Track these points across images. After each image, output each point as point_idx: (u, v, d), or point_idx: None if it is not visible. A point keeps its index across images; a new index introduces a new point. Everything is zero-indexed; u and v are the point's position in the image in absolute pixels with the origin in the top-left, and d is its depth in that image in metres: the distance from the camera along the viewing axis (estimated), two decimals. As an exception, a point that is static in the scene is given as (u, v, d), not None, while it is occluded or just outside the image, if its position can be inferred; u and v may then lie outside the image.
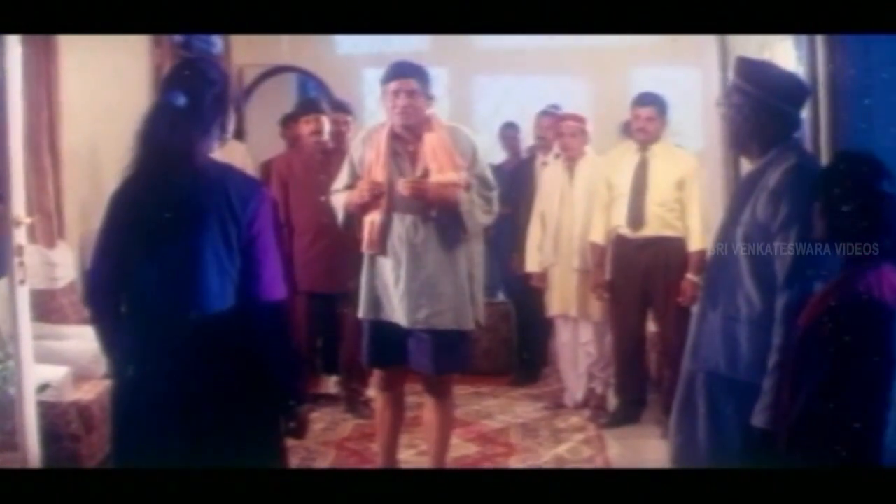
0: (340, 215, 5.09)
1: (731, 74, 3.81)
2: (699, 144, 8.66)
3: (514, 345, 8.21)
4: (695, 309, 6.38)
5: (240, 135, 9.37)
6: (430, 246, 4.87)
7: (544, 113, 7.68)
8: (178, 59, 3.38)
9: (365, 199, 4.88)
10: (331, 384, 7.41)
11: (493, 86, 10.43)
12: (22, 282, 4.55)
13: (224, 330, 3.09)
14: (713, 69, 5.21)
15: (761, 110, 3.56)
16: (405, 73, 4.87)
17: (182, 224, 3.07)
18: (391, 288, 4.93)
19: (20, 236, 4.58)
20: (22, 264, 4.54)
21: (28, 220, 4.69)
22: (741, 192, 3.62)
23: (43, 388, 4.94)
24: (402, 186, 4.78)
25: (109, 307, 3.20)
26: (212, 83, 3.19)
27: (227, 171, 3.21)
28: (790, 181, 3.41)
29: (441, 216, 4.86)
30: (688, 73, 9.06)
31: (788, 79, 3.76)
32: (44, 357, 5.13)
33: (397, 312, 4.93)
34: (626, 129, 7.53)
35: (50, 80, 6.14)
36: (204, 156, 3.17)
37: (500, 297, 8.61)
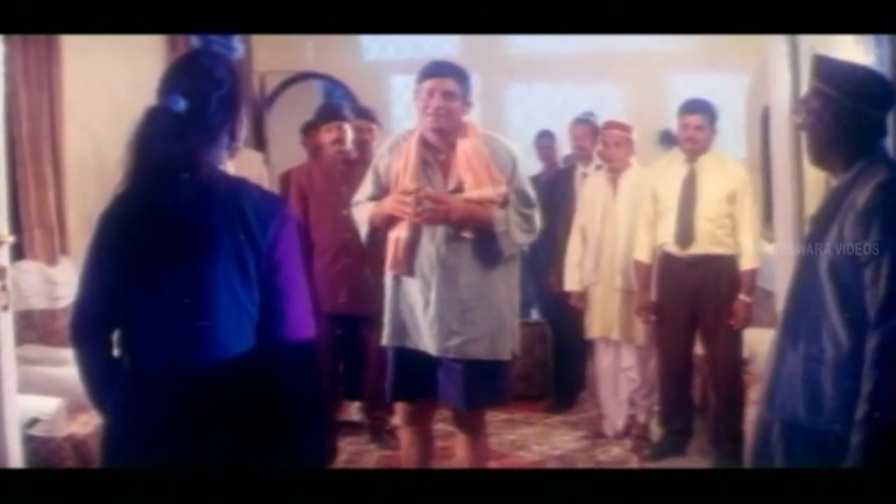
0: (364, 230, 4.66)
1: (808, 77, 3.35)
2: (740, 154, 8.32)
3: (550, 368, 7.86)
4: (754, 336, 6.20)
5: (260, 145, 9.12)
6: (464, 266, 4.45)
7: (578, 121, 7.38)
8: (179, 56, 2.90)
9: (402, 211, 4.42)
10: (353, 411, 7.06)
11: (526, 93, 10.26)
12: (5, 307, 4.13)
13: (241, 378, 2.60)
14: (776, 73, 4.78)
15: (844, 116, 3.09)
16: (443, 72, 4.45)
17: (187, 251, 2.59)
18: (419, 312, 4.50)
19: (2, 257, 4.17)
20: (4, 288, 4.12)
21: (10, 239, 4.26)
22: (824, 213, 3.14)
23: (32, 422, 4.59)
24: (425, 198, 4.35)
25: (97, 349, 2.74)
26: (218, 83, 2.70)
27: (240, 186, 2.72)
28: (882, 199, 2.94)
29: (474, 236, 4.43)
30: (727, 79, 8.76)
31: (874, 79, 3.28)
32: (39, 384, 4.83)
33: (425, 339, 4.50)
34: (665, 138, 7.26)
35: (52, 85, 5.84)
36: (211, 168, 2.68)
37: (535, 316, 8.29)
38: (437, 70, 4.46)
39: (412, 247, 4.47)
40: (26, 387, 4.81)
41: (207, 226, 2.59)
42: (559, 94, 9.96)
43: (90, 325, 2.75)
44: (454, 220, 4.38)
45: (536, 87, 10.16)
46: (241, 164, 6.09)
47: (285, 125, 8.93)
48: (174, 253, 2.58)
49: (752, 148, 8.49)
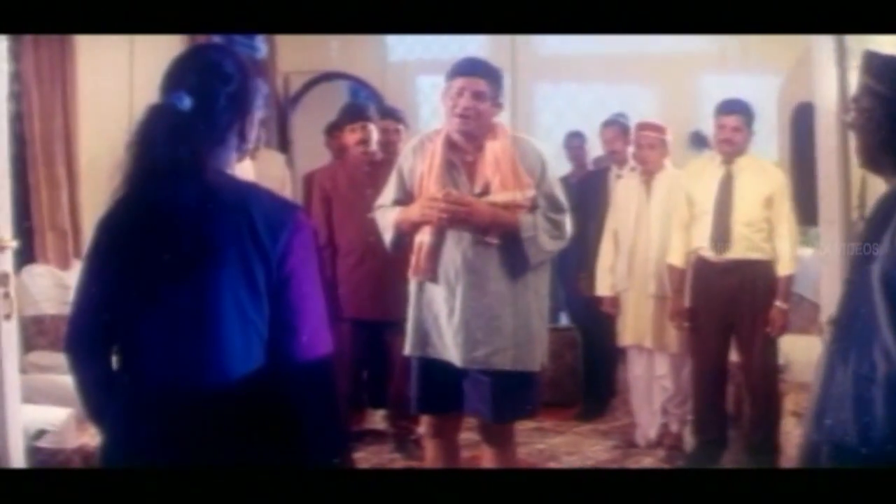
0: (389, 235, 4.48)
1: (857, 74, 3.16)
2: (771, 156, 8.20)
3: (581, 374, 7.70)
4: (789, 343, 6.03)
5: (284, 146, 9.01)
6: (491, 273, 4.28)
7: (608, 123, 7.26)
8: (185, 50, 2.72)
9: (429, 217, 4.26)
10: (378, 419, 6.92)
11: (555, 94, 10.11)
12: (7, 316, 3.95)
13: (248, 400, 2.40)
14: (820, 70, 4.60)
15: (899, 116, 2.90)
16: (476, 71, 4.27)
17: (190, 261, 2.39)
18: (443, 321, 4.33)
19: (5, 262, 3.99)
20: (7, 296, 3.94)
21: (13, 244, 4.09)
22: (876, 220, 2.95)
23: (39, 434, 4.46)
24: (444, 200, 4.19)
25: (95, 364, 2.54)
26: (226, 79, 2.50)
27: (250, 191, 2.52)
28: (938, 204, 2.76)
29: (501, 242, 4.26)
30: (757, 79, 8.65)
31: None
32: (50, 392, 4.73)
33: (450, 350, 4.33)
34: (696, 140, 7.13)
35: (66, 83, 5.73)
36: (218, 172, 2.48)
37: (564, 321, 8.13)
38: (469, 69, 4.28)
39: (436, 252, 4.31)
40: (36, 395, 4.70)
41: (213, 234, 2.39)
42: (588, 94, 9.83)
43: (87, 339, 2.55)
44: (476, 223, 4.22)
45: (565, 87, 10.03)
46: (263, 165, 6.00)
47: (310, 126, 8.80)
48: (176, 263, 2.39)
49: (783, 149, 8.35)
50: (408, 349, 4.46)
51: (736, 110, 5.92)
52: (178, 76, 2.50)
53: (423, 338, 4.40)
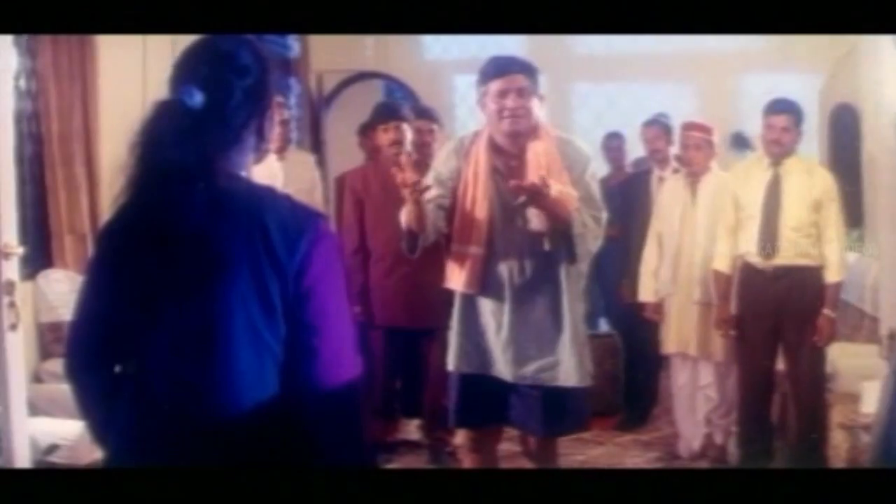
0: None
1: None
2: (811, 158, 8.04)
3: (622, 383, 7.50)
4: (834, 351, 5.81)
5: (317, 146, 8.90)
6: (539, 285, 4.13)
7: (650, 123, 7.09)
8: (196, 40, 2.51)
9: (410, 196, 4.02)
10: (412, 429, 6.74)
11: (593, 94, 10.04)
12: (13, 326, 3.79)
13: (262, 430, 2.18)
14: (878, 69, 4.43)
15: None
16: (512, 68, 4.09)
17: (198, 275, 2.16)
18: (491, 336, 4.20)
19: (10, 270, 3.82)
20: (13, 305, 3.77)
21: (19, 251, 3.91)
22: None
23: (51, 449, 4.32)
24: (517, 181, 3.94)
25: (93, 377, 2.34)
26: (241, 72, 2.25)
27: (265, 197, 2.27)
28: None
29: (550, 243, 4.07)
30: (796, 78, 8.51)
31: None
32: (64, 403, 4.46)
33: (499, 364, 4.19)
34: (737, 141, 7.02)
35: (86, 81, 5.62)
36: (231, 176, 2.24)
37: (604, 328, 7.96)
38: (506, 67, 4.10)
39: (486, 264, 4.15)
40: (51, 406, 4.54)
41: (223, 245, 2.16)
42: (627, 95, 9.74)
43: (86, 351, 2.34)
44: (544, 204, 3.95)
45: (604, 87, 9.96)
46: (292, 166, 5.82)
47: (344, 126, 8.69)
48: (182, 277, 2.16)
49: (822, 150, 8.25)
50: (451, 364, 4.30)
51: (785, 110, 5.74)
52: (188, 69, 2.26)
53: (468, 352, 4.25)
